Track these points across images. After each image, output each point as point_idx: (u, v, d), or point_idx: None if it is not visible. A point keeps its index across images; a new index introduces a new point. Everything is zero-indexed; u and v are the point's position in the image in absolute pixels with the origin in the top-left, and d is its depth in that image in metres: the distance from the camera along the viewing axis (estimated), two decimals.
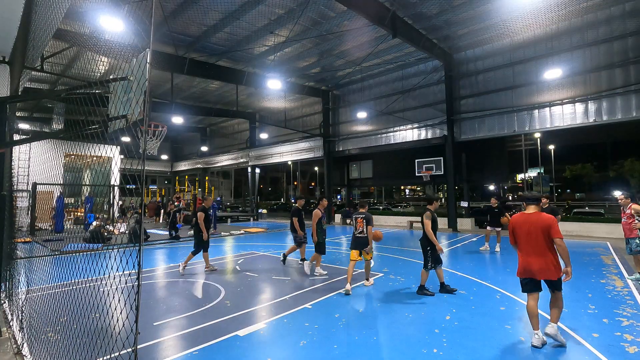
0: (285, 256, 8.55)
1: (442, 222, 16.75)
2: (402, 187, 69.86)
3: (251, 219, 24.68)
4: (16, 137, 6.03)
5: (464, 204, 17.45)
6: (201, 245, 7.64)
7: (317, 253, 7.37)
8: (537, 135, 41.82)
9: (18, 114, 22.79)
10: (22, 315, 4.21)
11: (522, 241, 4.02)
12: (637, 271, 6.84)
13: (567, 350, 3.80)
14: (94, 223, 12.24)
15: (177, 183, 33.56)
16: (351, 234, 6.62)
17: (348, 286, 6.02)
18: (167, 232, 13.59)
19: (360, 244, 6.28)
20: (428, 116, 17.62)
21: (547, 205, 9.00)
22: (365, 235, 6.26)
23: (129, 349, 2.15)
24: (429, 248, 5.79)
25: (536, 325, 3.91)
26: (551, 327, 3.84)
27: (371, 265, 6.71)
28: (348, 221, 19.89)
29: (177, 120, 23.24)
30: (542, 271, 3.83)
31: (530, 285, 3.97)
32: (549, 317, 4.03)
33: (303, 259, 8.25)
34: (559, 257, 3.86)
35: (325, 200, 7.79)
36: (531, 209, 4.09)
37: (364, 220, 6.29)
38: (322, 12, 12.75)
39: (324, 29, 13.85)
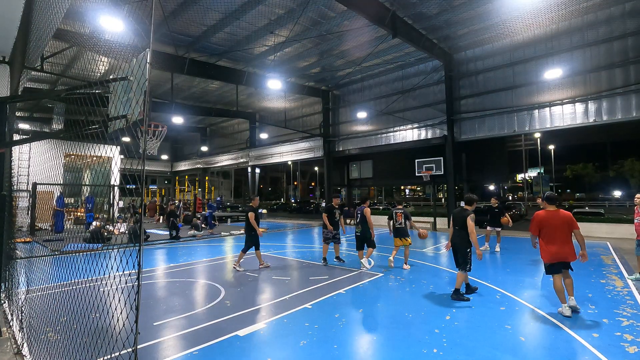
0: (338, 258, 8.69)
1: (442, 222, 16.75)
2: (402, 187, 69.89)
3: None
4: (16, 137, 6.03)
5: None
6: (252, 243, 7.87)
7: (371, 247, 7.88)
8: (537, 135, 41.86)
9: (18, 114, 22.79)
10: (21, 315, 4.21)
11: (550, 233, 4.89)
12: (638, 272, 6.84)
13: (567, 350, 3.80)
14: (94, 223, 12.24)
15: (177, 183, 33.55)
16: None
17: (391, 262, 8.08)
18: (167, 232, 13.59)
19: (400, 233, 7.91)
20: (428, 116, 17.62)
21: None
22: (404, 226, 7.89)
23: (129, 349, 2.15)
24: (469, 250, 5.62)
25: (563, 299, 4.85)
26: (572, 300, 4.85)
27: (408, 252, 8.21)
28: (348, 221, 19.89)
29: (177, 120, 23.23)
30: (569, 255, 4.80)
31: (557, 266, 4.86)
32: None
33: (337, 257, 8.70)
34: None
35: (369, 201, 8.81)
36: (553, 207, 5.02)
37: (403, 215, 7.95)
38: (322, 12, 12.75)
39: (324, 29, 13.84)
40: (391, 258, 8.12)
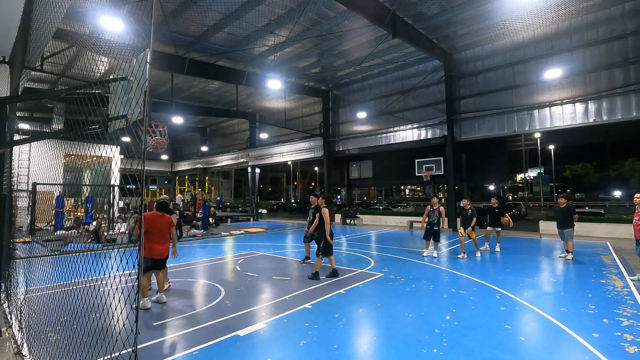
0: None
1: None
2: (402, 187, 69.96)
3: (251, 219, 24.68)
4: (16, 137, 6.03)
5: None
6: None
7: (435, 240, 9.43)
8: (537, 135, 41.80)
9: (18, 114, 22.78)
10: (20, 316, 4.21)
11: (157, 234, 5.45)
12: None
13: (567, 350, 3.80)
14: (94, 223, 12.24)
15: (177, 183, 33.55)
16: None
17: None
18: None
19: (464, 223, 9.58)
20: (428, 116, 17.62)
21: (564, 204, 9.05)
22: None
23: (129, 349, 2.15)
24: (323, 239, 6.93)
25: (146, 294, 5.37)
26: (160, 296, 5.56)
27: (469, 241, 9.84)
28: (348, 221, 19.89)
29: (177, 120, 23.24)
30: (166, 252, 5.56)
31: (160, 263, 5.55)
32: None
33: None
34: None
35: (435, 198, 9.63)
36: (160, 213, 5.58)
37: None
38: (322, 12, 12.75)
39: (324, 29, 13.84)
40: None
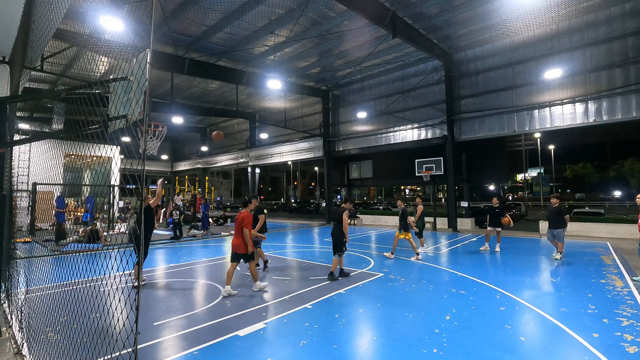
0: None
1: (443, 222, 16.75)
2: (402, 187, 69.95)
3: None
4: (16, 137, 6.03)
5: (464, 204, 17.45)
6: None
7: (419, 237, 10.18)
8: (537, 135, 41.84)
9: (18, 114, 22.78)
10: (21, 316, 4.21)
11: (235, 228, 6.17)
12: None
13: (567, 350, 3.80)
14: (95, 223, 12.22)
15: (177, 183, 33.56)
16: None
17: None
18: (168, 232, 13.58)
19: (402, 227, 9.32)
20: (428, 116, 17.62)
21: (557, 204, 9.04)
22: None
23: (129, 349, 2.15)
24: (344, 239, 6.96)
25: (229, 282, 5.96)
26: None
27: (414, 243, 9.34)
28: (348, 221, 19.90)
29: (177, 120, 23.23)
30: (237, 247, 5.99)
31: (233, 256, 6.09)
32: None
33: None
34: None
35: (419, 199, 10.63)
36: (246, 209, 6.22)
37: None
38: (322, 12, 12.74)
39: (324, 29, 13.84)
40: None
